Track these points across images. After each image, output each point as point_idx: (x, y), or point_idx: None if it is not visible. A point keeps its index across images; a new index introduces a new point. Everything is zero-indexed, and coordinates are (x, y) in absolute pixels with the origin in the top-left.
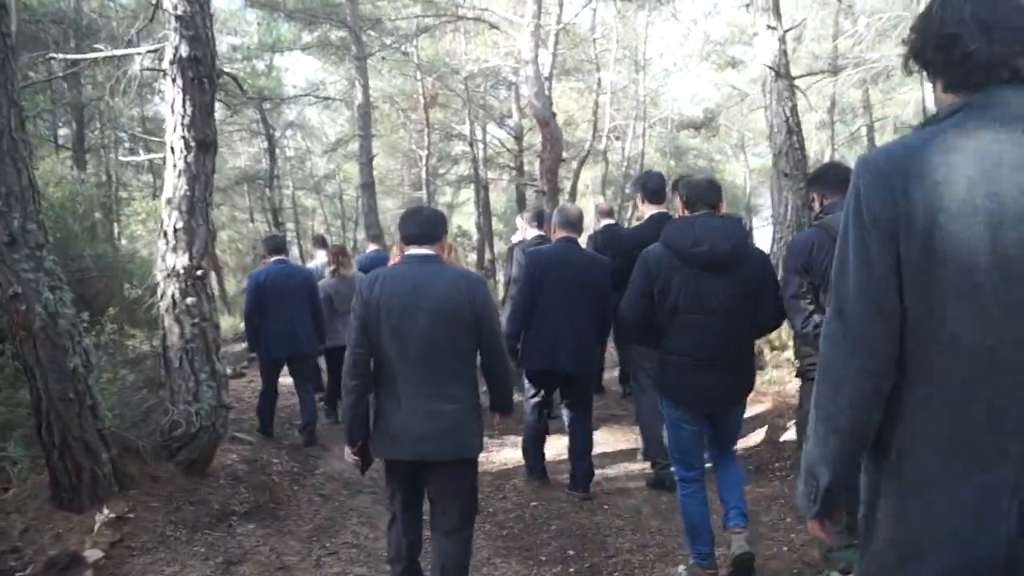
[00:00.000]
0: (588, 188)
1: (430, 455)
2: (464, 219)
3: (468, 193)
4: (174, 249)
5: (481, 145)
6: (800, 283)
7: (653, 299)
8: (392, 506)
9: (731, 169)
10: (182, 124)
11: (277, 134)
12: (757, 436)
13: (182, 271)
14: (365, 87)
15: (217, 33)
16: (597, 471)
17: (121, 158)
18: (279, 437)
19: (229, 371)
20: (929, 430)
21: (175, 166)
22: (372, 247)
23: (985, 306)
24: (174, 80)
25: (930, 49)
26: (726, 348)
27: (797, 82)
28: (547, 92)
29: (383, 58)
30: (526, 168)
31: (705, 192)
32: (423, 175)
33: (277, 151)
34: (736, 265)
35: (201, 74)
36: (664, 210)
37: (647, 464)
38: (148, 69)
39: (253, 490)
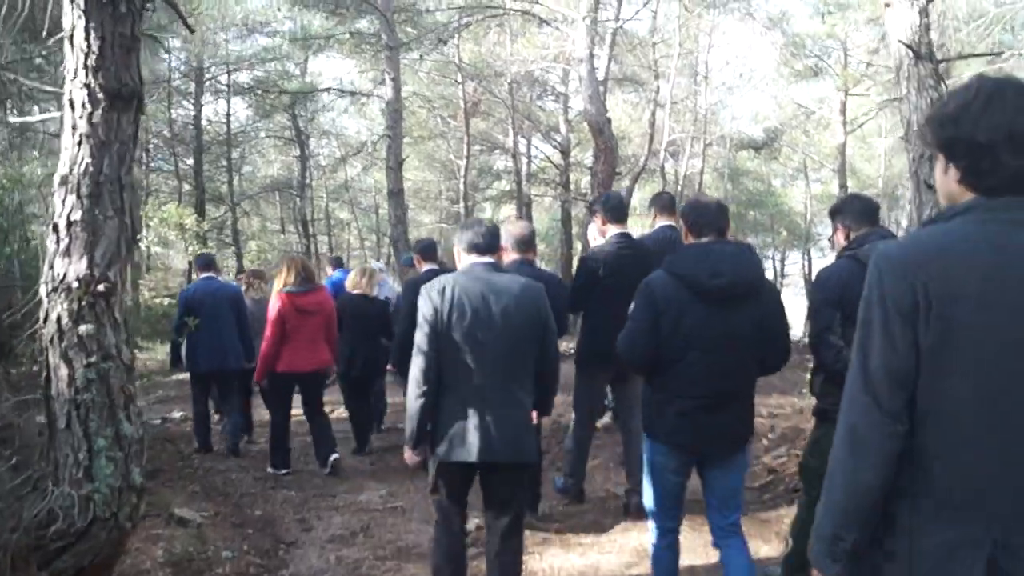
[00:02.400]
0: (640, 207)
1: (498, 458)
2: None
3: (509, 210)
4: (67, 252)
5: (525, 159)
6: (832, 316)
7: (658, 335)
8: (441, 508)
9: (791, 195)
10: (86, 65)
11: (312, 143)
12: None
13: (76, 284)
14: (396, 81)
15: (247, 33)
16: None
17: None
18: (244, 503)
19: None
20: (929, 485)
21: (75, 128)
22: (202, 275)
23: (984, 380)
24: (72, 0)
25: (960, 147)
26: (735, 387)
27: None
28: (602, 97)
29: (420, 57)
30: (572, 186)
31: (714, 216)
32: (461, 187)
33: (310, 160)
34: (753, 298)
35: None
36: (627, 230)
37: None
38: None
39: None
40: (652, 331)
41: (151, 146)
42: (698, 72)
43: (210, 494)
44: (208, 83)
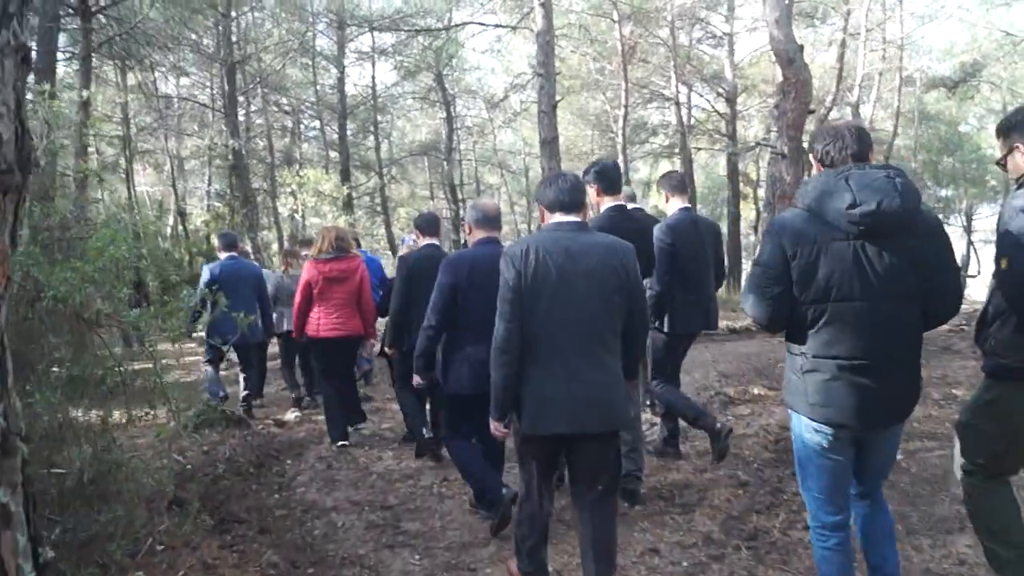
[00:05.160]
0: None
1: (589, 427)
2: (661, 197)
3: (667, 166)
4: None
5: (686, 109)
6: None
7: (789, 282)
8: (530, 483)
9: (987, 139)
10: None
11: (459, 105)
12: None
13: None
14: (547, 8)
15: None
16: None
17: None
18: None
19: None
20: None
21: None
22: (225, 255)
23: None
24: None
25: None
26: (894, 344)
27: None
28: (791, 20)
29: None
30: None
31: (851, 139)
32: (619, 140)
33: (457, 122)
34: (906, 230)
35: None
36: (622, 202)
37: None
38: None
39: None
40: (782, 278)
41: (302, 114)
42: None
43: (296, 563)
44: (350, 43)
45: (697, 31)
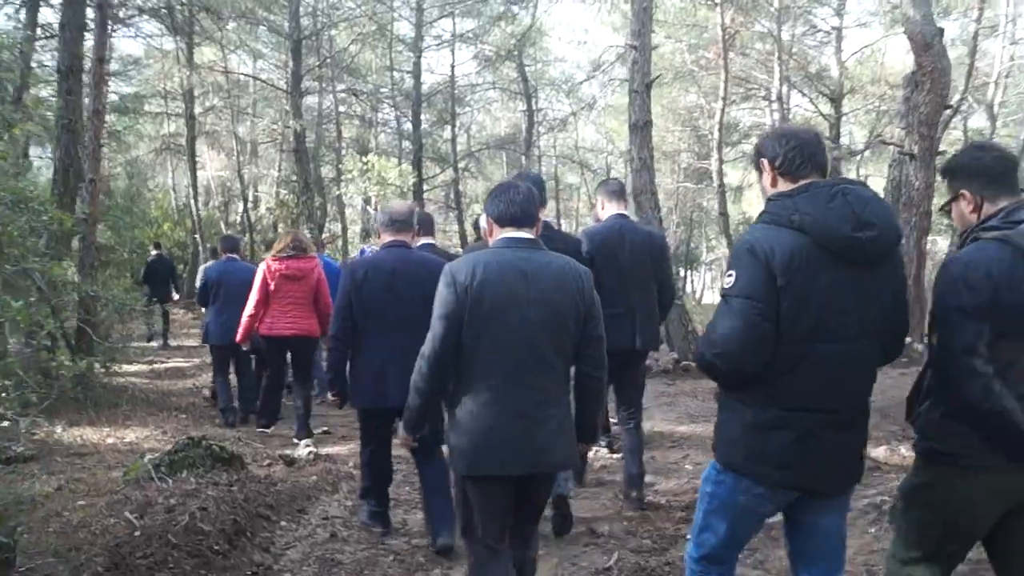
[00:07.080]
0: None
1: (538, 468)
2: (748, 205)
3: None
4: None
5: (786, 107)
6: (979, 331)
7: (777, 320)
8: (486, 540)
9: None
10: None
11: (541, 99)
12: None
13: None
14: None
15: None
16: None
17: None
18: None
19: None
20: None
21: None
22: (225, 257)
23: None
24: None
25: None
26: (862, 389)
27: None
28: (929, 1)
29: None
30: (843, 140)
31: (816, 148)
32: (715, 135)
33: (537, 116)
34: (889, 259)
35: None
36: (549, 219)
37: None
38: None
39: None
40: (770, 312)
41: (379, 103)
42: None
43: None
44: (426, 26)
45: (800, 25)
